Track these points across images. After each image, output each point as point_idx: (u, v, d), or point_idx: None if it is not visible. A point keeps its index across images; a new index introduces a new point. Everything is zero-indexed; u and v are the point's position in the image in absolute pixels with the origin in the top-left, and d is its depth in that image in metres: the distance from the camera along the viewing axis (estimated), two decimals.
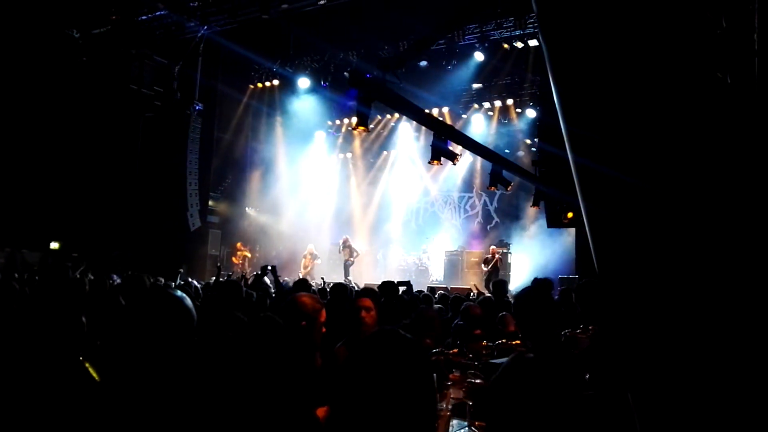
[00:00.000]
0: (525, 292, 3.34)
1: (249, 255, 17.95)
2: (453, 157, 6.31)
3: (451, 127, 5.83)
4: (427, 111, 10.72)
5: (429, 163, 6.55)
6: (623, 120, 1.60)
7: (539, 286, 3.57)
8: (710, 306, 1.49)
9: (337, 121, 21.14)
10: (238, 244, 18.07)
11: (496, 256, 15.95)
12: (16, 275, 9.19)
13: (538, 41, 14.16)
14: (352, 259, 17.32)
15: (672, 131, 1.58)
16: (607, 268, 1.61)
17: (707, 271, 1.50)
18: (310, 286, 9.01)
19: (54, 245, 14.92)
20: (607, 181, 1.58)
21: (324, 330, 3.28)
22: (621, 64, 1.66)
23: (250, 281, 10.69)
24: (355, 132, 20.69)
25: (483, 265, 16.28)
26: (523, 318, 3.18)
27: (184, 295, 2.36)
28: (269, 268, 11.79)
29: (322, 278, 12.62)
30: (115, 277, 9.53)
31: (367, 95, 4.78)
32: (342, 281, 15.06)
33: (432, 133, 6.90)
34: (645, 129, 1.60)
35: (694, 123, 1.59)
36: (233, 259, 17.78)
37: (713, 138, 1.61)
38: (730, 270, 1.48)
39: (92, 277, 9.12)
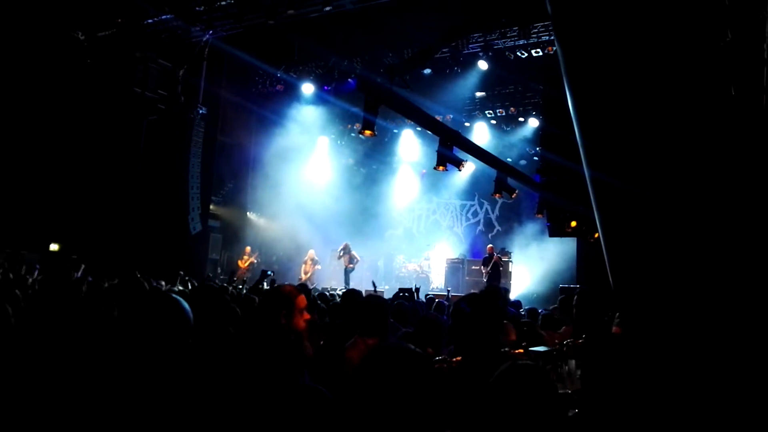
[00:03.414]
0: (468, 300, 2.97)
1: (255, 261, 17.89)
2: (458, 163, 6.32)
3: (457, 133, 5.84)
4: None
5: (434, 168, 6.55)
6: (639, 134, 1.61)
7: (483, 295, 3.17)
8: (724, 316, 1.49)
9: (340, 128, 21.18)
10: (247, 249, 18.06)
11: (495, 255, 15.83)
12: (11, 276, 9.17)
13: (556, 56, 14.30)
14: (352, 265, 17.32)
15: (687, 145, 1.59)
16: (621, 278, 1.62)
17: (722, 283, 1.50)
18: (310, 291, 9.01)
19: (54, 247, 14.91)
20: (623, 196, 1.59)
21: (308, 317, 3.27)
22: (634, 76, 1.67)
23: (243, 287, 10.67)
24: (359, 137, 20.79)
25: (482, 266, 16.08)
26: (460, 328, 2.87)
27: (180, 297, 2.39)
28: (269, 273, 11.82)
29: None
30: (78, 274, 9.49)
31: (374, 100, 4.79)
32: (344, 288, 15.07)
33: (435, 140, 6.93)
34: (660, 143, 1.61)
35: (709, 138, 1.59)
36: (240, 263, 17.76)
37: (727, 150, 1.61)
38: (746, 282, 1.48)
39: (90, 279, 9.13)
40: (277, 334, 2.43)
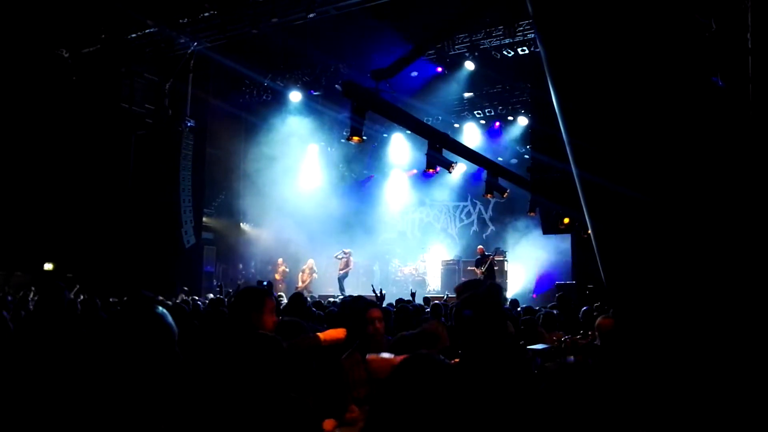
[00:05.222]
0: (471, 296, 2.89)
1: (287, 270, 18.16)
2: (448, 165, 6.31)
3: (445, 135, 5.83)
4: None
5: (424, 171, 6.55)
6: (625, 131, 1.59)
7: (487, 291, 3.08)
8: (714, 314, 1.47)
9: (330, 134, 21.15)
10: (279, 260, 18.21)
11: (487, 255, 15.77)
12: (9, 298, 9.09)
13: (539, 52, 14.36)
14: (344, 270, 17.33)
15: (673, 141, 1.57)
16: (612, 272, 1.60)
17: (711, 280, 1.48)
18: (306, 300, 8.96)
19: (48, 266, 14.81)
20: (610, 192, 1.57)
21: (274, 318, 3.31)
22: (618, 71, 1.65)
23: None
24: (349, 143, 20.75)
25: (476, 268, 15.98)
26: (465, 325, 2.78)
27: (165, 312, 2.46)
28: (264, 284, 11.78)
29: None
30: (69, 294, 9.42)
31: (360, 105, 4.77)
32: (339, 295, 15.03)
33: (425, 143, 6.93)
34: (646, 140, 1.59)
35: (695, 134, 1.57)
36: (276, 276, 17.81)
37: (715, 148, 1.59)
38: (734, 279, 1.47)
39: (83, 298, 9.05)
40: (266, 341, 2.43)
